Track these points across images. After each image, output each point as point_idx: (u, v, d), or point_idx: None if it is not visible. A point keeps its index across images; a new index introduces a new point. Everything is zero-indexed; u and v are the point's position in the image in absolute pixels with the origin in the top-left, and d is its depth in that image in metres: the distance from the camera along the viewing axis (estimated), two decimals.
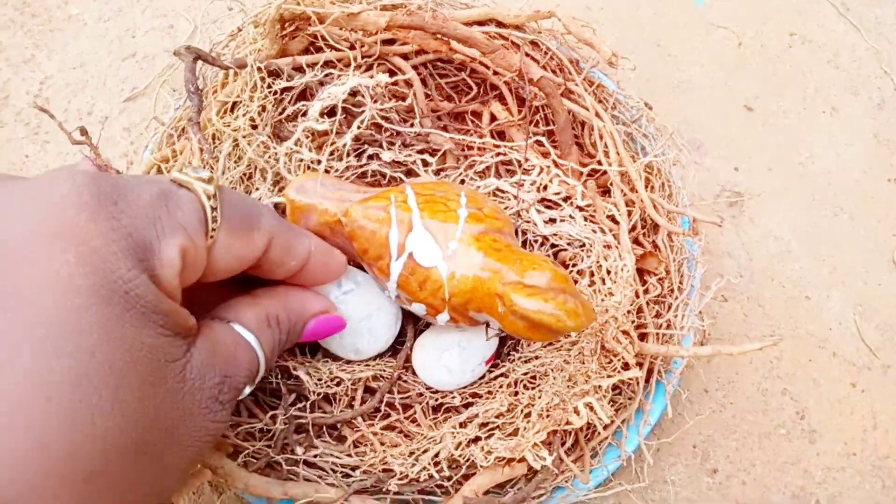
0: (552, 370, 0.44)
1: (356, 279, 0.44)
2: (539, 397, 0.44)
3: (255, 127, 0.48)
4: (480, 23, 0.57)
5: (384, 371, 0.46)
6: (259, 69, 0.47)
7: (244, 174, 0.47)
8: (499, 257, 0.40)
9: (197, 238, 0.29)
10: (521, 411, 0.43)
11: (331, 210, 0.44)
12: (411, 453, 0.42)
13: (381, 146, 0.54)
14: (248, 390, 0.33)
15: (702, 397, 0.53)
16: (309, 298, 0.38)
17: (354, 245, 0.43)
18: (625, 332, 0.45)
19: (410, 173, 0.54)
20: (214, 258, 0.31)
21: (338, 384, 0.44)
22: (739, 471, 0.51)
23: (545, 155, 0.54)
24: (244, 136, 0.45)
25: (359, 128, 0.49)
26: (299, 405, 0.43)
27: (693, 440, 0.52)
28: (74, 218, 0.25)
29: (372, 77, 0.51)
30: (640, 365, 0.45)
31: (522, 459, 0.42)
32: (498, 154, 0.54)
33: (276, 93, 0.49)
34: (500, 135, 0.57)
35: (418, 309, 0.42)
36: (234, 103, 0.48)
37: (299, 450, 0.40)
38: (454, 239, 0.41)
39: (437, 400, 0.46)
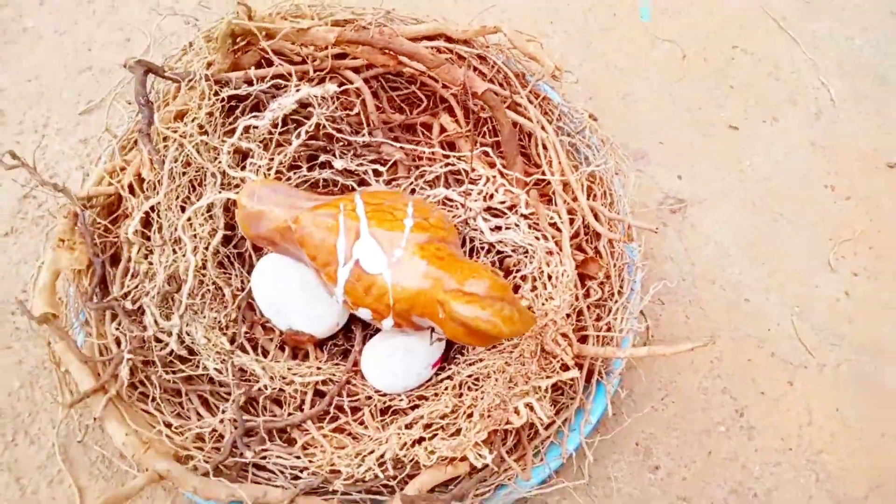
0: (494, 372, 0.46)
1: None
2: (482, 398, 0.46)
3: (205, 133, 0.49)
4: (430, 37, 0.60)
5: (334, 375, 0.48)
6: (207, 78, 0.49)
7: (193, 179, 0.49)
8: (441, 265, 0.43)
9: None
10: (464, 412, 0.45)
11: (281, 216, 0.46)
12: (357, 454, 0.44)
13: (333, 155, 0.56)
14: None
15: (644, 397, 0.56)
16: None
17: (304, 251, 0.45)
18: (564, 335, 0.47)
19: (363, 182, 0.56)
20: None
21: (288, 384, 0.46)
22: (680, 467, 0.54)
23: (492, 165, 0.56)
24: (190, 141, 0.47)
25: (307, 132, 0.51)
26: (245, 411, 0.45)
27: (636, 437, 0.54)
28: None
29: (322, 88, 0.53)
30: (579, 366, 0.48)
31: (464, 458, 0.44)
32: (447, 164, 0.56)
33: (223, 100, 0.50)
34: (450, 146, 0.59)
35: (364, 314, 0.44)
36: (183, 112, 0.49)
37: (248, 453, 0.42)
38: (399, 247, 0.43)
39: (384, 403, 0.48)
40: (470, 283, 0.40)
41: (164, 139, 0.49)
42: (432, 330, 0.46)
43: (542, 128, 0.56)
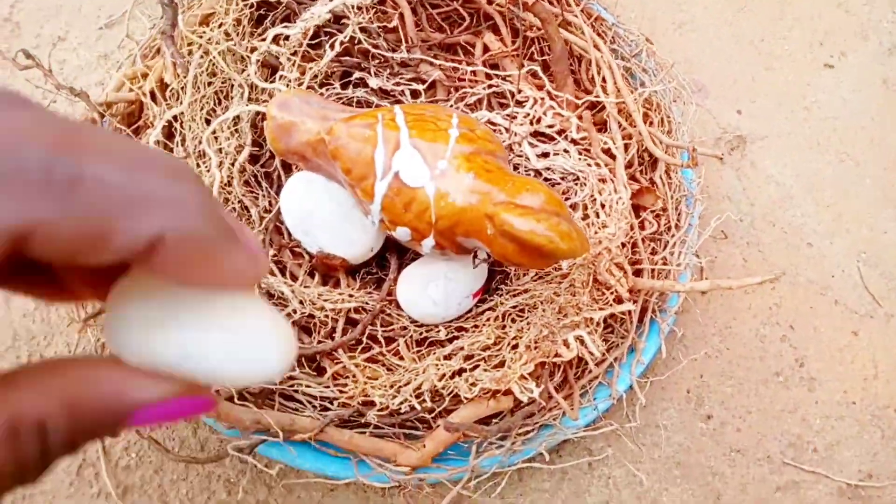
0: (542, 302, 0.43)
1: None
2: (527, 329, 0.42)
3: (231, 41, 0.46)
4: None
5: (367, 303, 0.45)
6: None
7: (219, 91, 0.45)
8: (489, 178, 0.39)
9: None
10: (508, 344, 0.42)
11: (314, 128, 0.42)
12: (392, 385, 0.41)
13: (368, 73, 0.52)
14: None
15: (698, 342, 0.52)
16: (133, 383, 0.18)
17: (338, 164, 0.41)
18: (618, 265, 0.44)
19: (398, 103, 0.52)
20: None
21: (319, 310, 0.43)
22: (734, 417, 0.50)
23: (540, 87, 0.52)
24: (216, 48, 0.43)
25: (341, 44, 0.47)
26: None
27: (687, 385, 0.51)
28: None
29: None
30: (634, 301, 0.44)
31: (508, 391, 0.41)
32: (490, 86, 0.52)
33: (252, 7, 0.46)
34: (494, 66, 0.55)
35: (402, 233, 0.41)
36: (208, 17, 0.45)
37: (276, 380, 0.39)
38: (443, 158, 0.39)
39: (421, 334, 0.45)
40: (523, 197, 0.37)
41: (189, 45, 0.45)
42: (475, 253, 0.42)
43: (596, 47, 0.52)
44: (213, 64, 0.45)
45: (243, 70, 0.46)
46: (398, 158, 0.39)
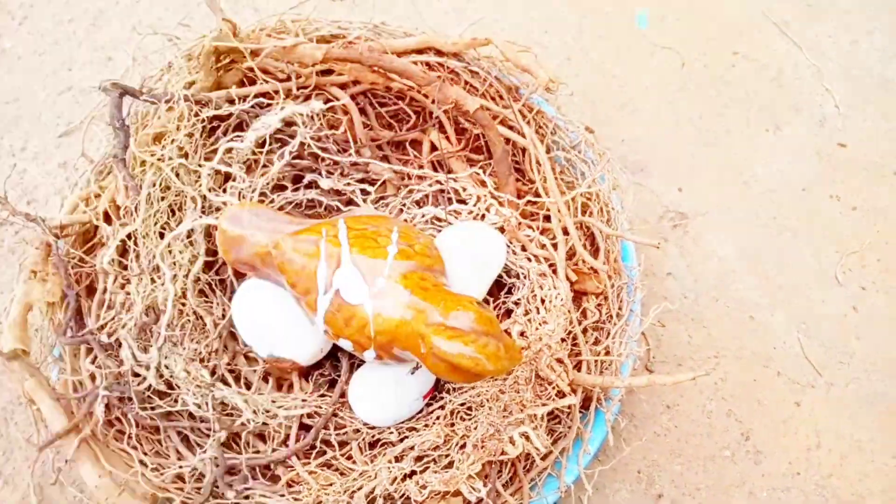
0: (488, 400, 0.45)
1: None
2: (475, 428, 0.45)
3: (185, 156, 0.49)
4: (419, 51, 0.59)
5: (320, 407, 0.47)
6: (186, 98, 0.48)
7: (172, 204, 0.48)
8: (425, 296, 0.42)
9: None
10: (457, 443, 0.44)
11: (262, 241, 0.45)
12: (346, 490, 0.43)
13: (319, 174, 0.55)
14: None
15: (646, 421, 0.55)
16: None
17: (283, 278, 0.44)
18: (559, 360, 0.46)
19: (350, 202, 0.55)
20: None
21: (272, 417, 0.45)
22: (685, 495, 0.53)
23: (483, 184, 0.55)
24: (168, 164, 0.46)
25: (291, 154, 0.50)
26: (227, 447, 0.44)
27: (637, 465, 0.53)
28: None
29: (308, 105, 0.52)
30: (574, 392, 0.47)
31: (457, 493, 0.43)
32: (436, 182, 0.55)
33: (204, 121, 0.49)
34: (441, 163, 0.58)
35: (345, 344, 0.43)
36: (161, 134, 0.48)
37: (230, 493, 0.41)
38: (382, 276, 0.42)
39: (373, 436, 0.47)
40: (454, 316, 0.40)
41: (142, 163, 0.48)
42: (417, 363, 0.45)
43: (535, 145, 0.55)
44: (166, 179, 0.48)
45: (196, 181, 0.49)
46: (339, 276, 0.42)
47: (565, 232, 0.53)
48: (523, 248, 0.52)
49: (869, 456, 0.55)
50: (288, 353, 0.47)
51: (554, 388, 0.46)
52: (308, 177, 0.55)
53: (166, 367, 0.45)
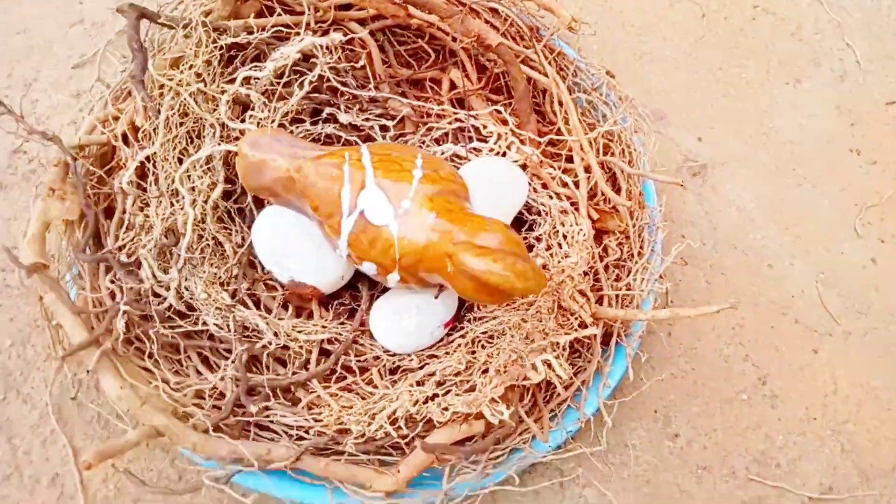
0: (510, 328, 0.46)
1: None
2: (497, 355, 0.45)
3: (203, 83, 0.48)
4: None
5: (340, 334, 0.47)
6: (204, 24, 0.48)
7: (191, 130, 0.48)
8: (451, 218, 0.42)
9: None
10: (479, 368, 0.45)
11: (284, 166, 0.45)
12: (367, 412, 0.43)
13: (338, 109, 0.55)
14: None
15: (664, 363, 0.55)
16: None
17: (306, 202, 0.44)
18: (581, 292, 0.46)
19: (368, 138, 0.55)
20: None
21: (293, 341, 0.45)
22: (701, 435, 0.53)
23: (504, 122, 0.55)
24: (187, 89, 0.46)
25: (311, 83, 0.50)
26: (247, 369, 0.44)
27: (655, 405, 0.54)
28: None
29: (328, 37, 0.52)
30: (597, 325, 0.47)
31: (480, 415, 0.43)
32: (456, 120, 0.55)
33: (222, 49, 0.49)
34: (460, 101, 0.58)
35: (369, 268, 0.43)
36: (178, 59, 0.48)
37: (253, 408, 0.41)
38: (407, 198, 0.42)
39: (394, 363, 0.47)
40: (482, 236, 0.40)
41: (160, 87, 0.48)
42: (441, 287, 0.45)
43: (557, 84, 0.55)
44: (185, 104, 0.48)
45: (214, 109, 0.49)
46: (364, 197, 0.42)
47: (587, 170, 0.53)
48: (544, 186, 0.52)
49: (885, 404, 0.55)
50: (309, 278, 0.47)
51: (576, 318, 0.46)
52: (326, 111, 0.55)
53: (186, 289, 0.45)
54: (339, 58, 0.55)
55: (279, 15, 0.55)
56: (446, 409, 0.43)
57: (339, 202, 0.43)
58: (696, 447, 0.53)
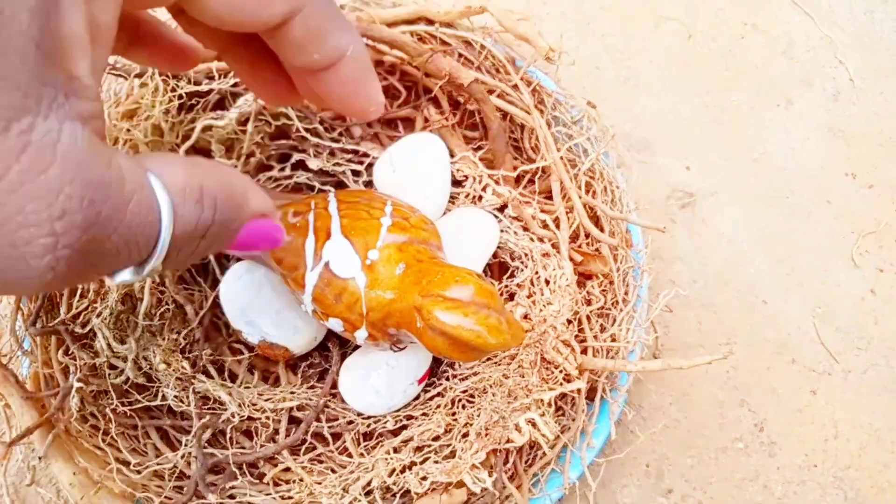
0: (490, 385, 0.44)
1: None
2: (478, 415, 0.44)
3: (161, 134, 0.47)
4: (410, 21, 0.58)
5: (310, 399, 0.46)
6: (161, 72, 0.46)
7: None
8: (420, 269, 0.40)
9: None
10: (459, 432, 0.43)
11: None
12: (341, 484, 0.42)
13: (307, 154, 0.53)
14: (126, 276, 0.22)
15: (655, 412, 0.54)
16: (253, 191, 0.27)
17: (269, 254, 0.43)
18: (565, 342, 0.45)
19: (340, 184, 0.54)
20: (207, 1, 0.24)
21: (259, 411, 0.44)
22: (696, 490, 0.52)
23: (484, 160, 0.54)
24: (144, 141, 0.44)
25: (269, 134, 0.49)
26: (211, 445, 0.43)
27: (646, 458, 0.53)
28: None
29: None
30: (581, 375, 0.46)
31: (461, 483, 0.42)
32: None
33: (181, 97, 0.48)
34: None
35: (335, 325, 0.42)
36: (135, 110, 0.47)
37: (212, 497, 0.40)
38: (374, 248, 0.41)
39: (369, 426, 0.46)
40: (453, 289, 0.38)
41: (115, 141, 0.47)
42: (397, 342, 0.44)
43: (534, 119, 0.54)
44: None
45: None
46: (328, 249, 0.41)
47: (569, 210, 0.52)
48: (525, 229, 0.51)
49: (889, 446, 0.54)
50: (282, 339, 0.46)
51: (561, 371, 0.45)
52: (295, 156, 0.54)
53: (144, 359, 0.44)
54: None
55: None
56: (424, 478, 0.42)
57: (302, 254, 0.42)
58: (691, 502, 0.52)
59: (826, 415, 0.55)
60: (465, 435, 0.44)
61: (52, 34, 0.18)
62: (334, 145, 0.52)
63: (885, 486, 0.53)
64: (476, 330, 0.37)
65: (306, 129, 0.52)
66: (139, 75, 0.48)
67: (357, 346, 0.48)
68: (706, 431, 0.54)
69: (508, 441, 0.43)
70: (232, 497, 0.42)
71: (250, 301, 0.46)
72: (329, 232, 0.42)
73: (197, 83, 0.49)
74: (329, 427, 0.45)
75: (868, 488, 0.53)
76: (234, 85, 0.51)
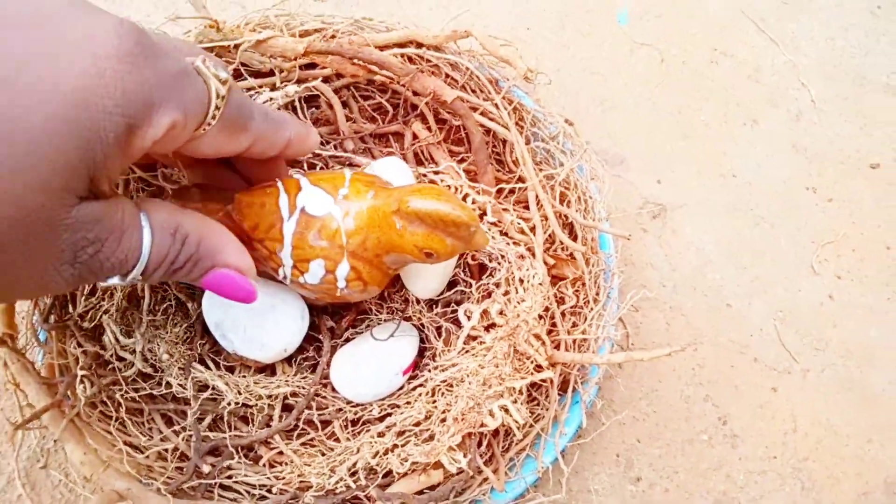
0: (468, 375, 0.48)
1: (262, 279, 0.47)
2: (455, 403, 0.47)
3: None
4: (400, 45, 0.62)
5: (302, 388, 0.49)
6: None
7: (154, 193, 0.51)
8: (388, 191, 0.43)
9: (190, 123, 0.31)
10: (438, 417, 0.47)
11: (217, 207, 0.44)
12: (328, 466, 0.45)
13: (302, 168, 0.57)
14: (113, 280, 0.32)
15: (626, 406, 0.57)
16: (232, 248, 0.37)
17: (245, 225, 0.44)
18: (536, 336, 0.49)
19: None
20: (198, 145, 0.33)
21: (258, 399, 0.47)
22: (663, 478, 0.55)
23: (468, 172, 0.58)
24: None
25: None
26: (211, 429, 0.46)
27: (617, 448, 0.56)
28: (114, 51, 0.27)
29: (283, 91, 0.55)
30: (553, 367, 0.49)
31: (438, 464, 0.45)
32: (418, 176, 0.58)
33: None
34: (422, 153, 0.61)
35: (315, 272, 0.44)
36: None
37: (205, 467, 0.43)
38: (343, 187, 0.44)
39: (356, 413, 0.49)
40: (420, 188, 0.42)
41: None
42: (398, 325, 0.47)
43: (513, 134, 0.58)
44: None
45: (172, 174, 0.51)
46: (301, 197, 0.43)
47: (544, 218, 0.56)
48: (503, 233, 0.54)
49: (844, 440, 0.58)
50: (249, 353, 0.49)
51: (532, 362, 0.49)
52: (292, 171, 0.57)
53: (150, 351, 0.48)
54: (305, 116, 0.58)
55: (244, 79, 0.58)
56: (405, 459, 0.45)
57: (277, 210, 0.43)
58: (658, 490, 0.55)
59: (786, 410, 0.59)
60: (444, 420, 0.47)
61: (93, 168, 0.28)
62: (325, 153, 0.56)
63: (840, 477, 0.56)
64: (448, 205, 0.40)
65: None
66: None
67: (348, 340, 0.51)
68: (673, 424, 0.57)
69: (482, 425, 0.47)
70: (230, 478, 0.46)
71: (222, 317, 0.49)
72: (299, 186, 0.44)
73: None
74: (319, 414, 0.49)
75: (824, 479, 0.56)
76: None
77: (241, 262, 0.37)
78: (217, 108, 0.32)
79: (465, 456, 0.45)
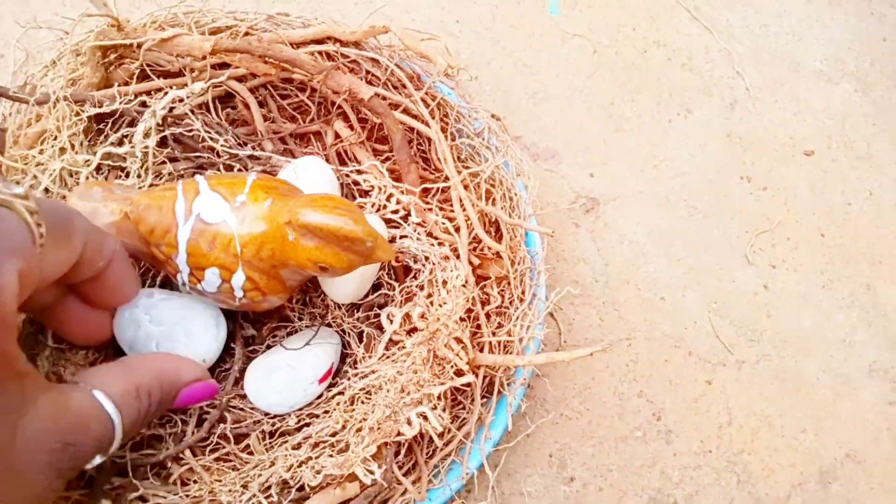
0: (386, 382, 0.47)
1: (170, 290, 0.46)
2: (373, 411, 0.46)
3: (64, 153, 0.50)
4: (318, 41, 0.61)
5: (216, 400, 0.48)
6: (65, 98, 0.49)
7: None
8: (286, 201, 0.43)
9: (31, 258, 0.30)
10: (353, 427, 0.46)
11: (117, 208, 0.44)
12: (241, 482, 0.44)
13: (218, 169, 0.56)
14: (98, 460, 0.33)
15: (558, 405, 0.57)
16: (184, 366, 0.40)
17: (141, 229, 0.44)
18: (457, 339, 0.48)
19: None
20: (42, 270, 0.32)
21: (168, 419, 0.46)
22: (596, 477, 0.55)
23: (392, 171, 0.57)
24: (42, 169, 0.47)
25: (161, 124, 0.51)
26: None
27: (549, 449, 0.56)
28: None
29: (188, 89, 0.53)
30: (475, 372, 0.49)
31: (353, 476, 0.44)
32: (341, 176, 0.57)
33: (83, 121, 0.50)
34: (345, 153, 0.60)
35: (212, 280, 0.43)
36: (42, 134, 0.49)
37: (105, 502, 0.42)
38: (242, 193, 0.43)
39: (273, 425, 0.48)
40: (317, 201, 0.41)
41: (23, 172, 0.49)
42: (317, 330, 0.46)
43: (435, 131, 0.57)
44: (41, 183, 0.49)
45: (77, 182, 0.50)
46: (198, 203, 0.43)
47: (468, 218, 0.55)
48: (429, 234, 0.54)
49: (779, 431, 0.58)
50: None
51: (452, 367, 0.48)
52: (209, 172, 0.56)
53: (54, 374, 0.46)
54: (219, 117, 0.56)
55: (151, 79, 0.56)
56: (318, 471, 0.44)
57: (173, 214, 0.43)
58: (591, 489, 0.55)
59: (720, 403, 0.59)
60: (359, 430, 0.47)
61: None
62: (242, 152, 0.54)
63: (775, 468, 0.57)
64: (342, 219, 0.40)
65: (219, 143, 0.55)
66: (40, 102, 0.50)
67: (270, 347, 0.50)
68: (606, 422, 0.57)
69: (399, 434, 0.46)
70: (143, 499, 0.44)
71: (133, 337, 0.47)
72: (198, 190, 0.43)
73: (99, 105, 0.52)
74: (235, 427, 0.48)
75: (760, 471, 0.57)
76: (143, 104, 0.54)
77: (196, 371, 0.40)
78: (38, 223, 0.31)
79: (380, 467, 0.44)
